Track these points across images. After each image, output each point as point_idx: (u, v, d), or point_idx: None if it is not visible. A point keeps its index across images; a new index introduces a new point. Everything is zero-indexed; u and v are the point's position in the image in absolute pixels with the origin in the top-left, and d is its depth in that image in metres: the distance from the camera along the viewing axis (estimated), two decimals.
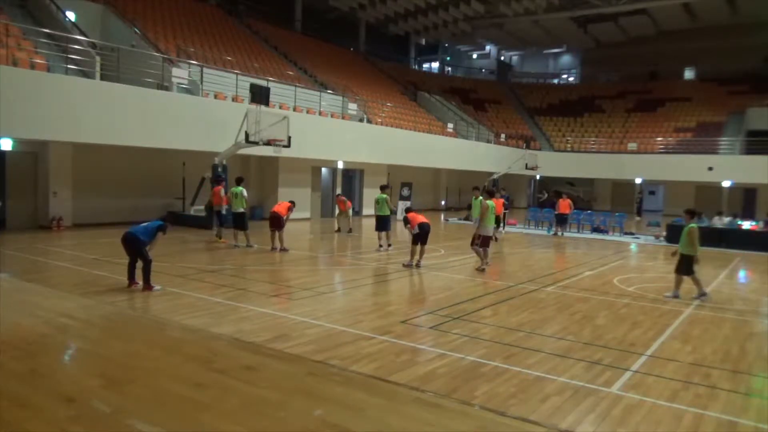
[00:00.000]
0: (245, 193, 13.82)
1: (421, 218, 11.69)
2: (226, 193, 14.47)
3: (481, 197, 13.20)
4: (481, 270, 11.53)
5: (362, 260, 12.92)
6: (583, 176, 34.36)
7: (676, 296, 9.49)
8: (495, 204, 16.89)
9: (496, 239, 16.50)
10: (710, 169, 29.09)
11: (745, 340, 7.11)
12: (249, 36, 27.70)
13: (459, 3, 34.70)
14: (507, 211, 20.28)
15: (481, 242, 11.63)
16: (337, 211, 19.02)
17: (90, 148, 15.63)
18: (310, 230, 18.87)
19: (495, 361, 5.83)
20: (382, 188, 15.12)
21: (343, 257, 13.73)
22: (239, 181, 14.21)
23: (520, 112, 40.36)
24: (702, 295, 9.38)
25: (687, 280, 9.49)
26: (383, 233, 14.23)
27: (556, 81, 47.09)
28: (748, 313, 8.75)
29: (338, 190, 22.92)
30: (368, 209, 23.92)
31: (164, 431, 3.56)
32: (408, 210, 12.56)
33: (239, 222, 13.68)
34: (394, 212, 15.65)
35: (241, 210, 13.66)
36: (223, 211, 14.42)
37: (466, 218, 24.81)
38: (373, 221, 15.91)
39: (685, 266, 9.41)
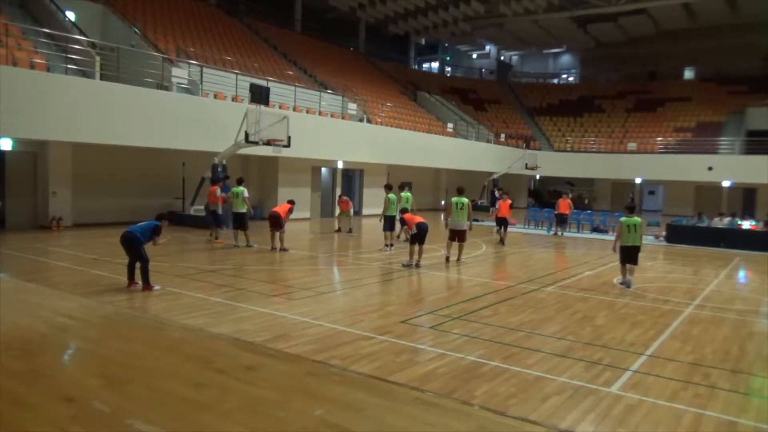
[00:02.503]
0: (246, 193, 13.81)
1: (418, 218, 11.70)
2: (226, 192, 14.47)
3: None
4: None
5: (362, 260, 12.92)
6: (583, 176, 34.38)
7: (625, 284, 10.40)
8: (502, 206, 16.93)
9: (503, 242, 16.53)
10: (710, 169, 29.09)
11: (745, 340, 7.11)
12: (249, 36, 27.70)
13: (459, 3, 34.70)
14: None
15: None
16: (338, 211, 19.03)
17: (90, 148, 15.63)
18: (310, 230, 18.87)
19: (495, 361, 5.83)
20: (389, 188, 15.10)
21: (343, 257, 13.73)
22: (240, 182, 14.20)
23: (520, 112, 40.36)
24: (623, 283, 10.40)
25: (688, 280, 9.50)
26: (389, 233, 14.38)
27: (555, 81, 47.07)
28: (748, 313, 8.74)
29: (338, 191, 22.94)
30: (368, 209, 23.94)
31: (164, 431, 3.56)
32: (404, 211, 12.56)
33: (239, 222, 13.67)
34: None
35: (242, 210, 13.65)
36: (219, 211, 14.40)
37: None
38: (373, 221, 16.33)
39: (620, 255, 10.44)
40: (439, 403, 4.39)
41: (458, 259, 12.53)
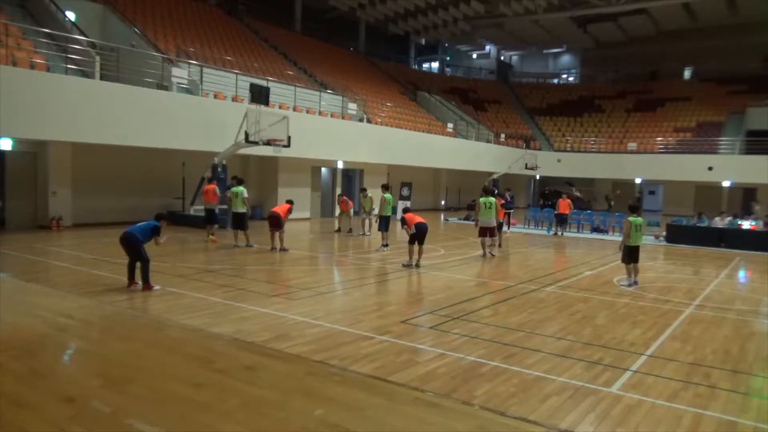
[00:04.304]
0: (246, 193, 13.79)
1: (418, 218, 11.70)
2: (223, 191, 14.47)
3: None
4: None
5: (362, 260, 12.92)
6: (583, 176, 34.38)
7: (634, 283, 10.46)
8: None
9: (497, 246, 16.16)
10: (710, 169, 29.10)
11: (745, 340, 7.11)
12: (249, 36, 27.71)
13: (459, 3, 34.69)
14: (511, 211, 20.15)
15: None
16: (338, 211, 19.06)
17: (89, 147, 15.63)
18: (310, 230, 18.87)
19: (495, 361, 5.82)
20: (385, 188, 15.17)
21: (343, 257, 13.73)
22: (240, 182, 14.20)
23: (520, 112, 40.37)
24: (634, 283, 10.48)
25: (688, 280, 9.50)
26: (386, 233, 14.41)
27: (556, 81, 47.08)
28: (748, 313, 8.74)
29: (338, 190, 22.93)
30: None
31: (164, 431, 3.56)
32: (406, 210, 12.57)
33: (239, 222, 13.66)
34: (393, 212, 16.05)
35: (242, 210, 13.64)
36: (216, 210, 14.35)
37: (466, 218, 24.97)
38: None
39: (625, 255, 10.57)
40: (439, 403, 4.39)
41: (492, 254, 13.56)
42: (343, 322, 7.22)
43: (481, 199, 13.60)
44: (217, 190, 14.43)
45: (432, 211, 29.33)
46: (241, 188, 13.78)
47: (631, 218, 10.56)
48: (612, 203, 31.51)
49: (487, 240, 13.51)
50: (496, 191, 20.77)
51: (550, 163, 33.09)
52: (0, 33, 13.60)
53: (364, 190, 18.06)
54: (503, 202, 17.00)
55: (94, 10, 20.31)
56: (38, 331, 5.56)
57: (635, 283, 10.49)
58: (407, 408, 4.13)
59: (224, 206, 15.32)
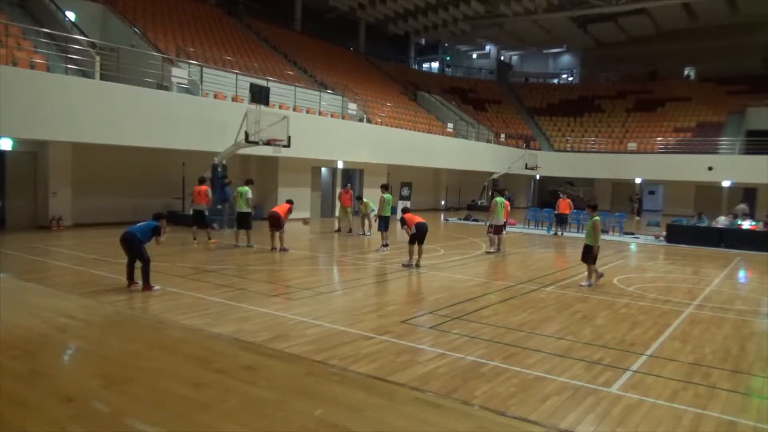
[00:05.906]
0: (250, 194, 13.72)
1: (418, 218, 11.70)
2: (229, 195, 14.38)
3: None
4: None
5: (362, 260, 12.92)
6: (583, 176, 34.39)
7: (589, 285, 10.21)
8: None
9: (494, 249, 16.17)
10: (710, 169, 29.10)
11: (745, 340, 7.10)
12: (249, 36, 27.71)
13: (459, 3, 34.71)
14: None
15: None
16: (337, 210, 19.06)
17: (90, 148, 15.63)
18: (310, 230, 18.87)
19: (495, 361, 5.83)
20: (385, 188, 15.22)
21: (343, 257, 13.73)
22: (248, 182, 14.14)
23: (520, 112, 40.37)
24: (588, 284, 10.20)
25: (688, 280, 9.49)
26: (386, 233, 14.44)
27: (556, 81, 47.08)
28: (748, 313, 8.74)
29: (338, 191, 22.88)
30: None
31: (164, 431, 3.56)
32: (405, 210, 12.58)
33: (243, 221, 13.61)
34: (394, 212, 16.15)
35: (245, 210, 13.60)
36: (206, 212, 14.10)
37: (466, 218, 25.01)
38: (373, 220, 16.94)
39: (586, 254, 10.28)
40: (439, 403, 4.39)
41: (498, 250, 14.61)
42: (343, 322, 7.22)
43: (497, 199, 14.71)
44: (209, 192, 14.14)
45: (432, 211, 29.32)
46: (246, 188, 13.73)
47: (597, 217, 10.46)
48: (636, 204, 31.36)
49: (496, 237, 14.61)
50: (494, 191, 20.99)
51: (550, 163, 33.10)
52: (0, 33, 13.61)
53: (359, 198, 18.44)
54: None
55: (94, 10, 20.31)
56: (38, 331, 5.57)
57: (601, 275, 10.48)
58: (407, 408, 4.14)
59: (221, 207, 15.27)
